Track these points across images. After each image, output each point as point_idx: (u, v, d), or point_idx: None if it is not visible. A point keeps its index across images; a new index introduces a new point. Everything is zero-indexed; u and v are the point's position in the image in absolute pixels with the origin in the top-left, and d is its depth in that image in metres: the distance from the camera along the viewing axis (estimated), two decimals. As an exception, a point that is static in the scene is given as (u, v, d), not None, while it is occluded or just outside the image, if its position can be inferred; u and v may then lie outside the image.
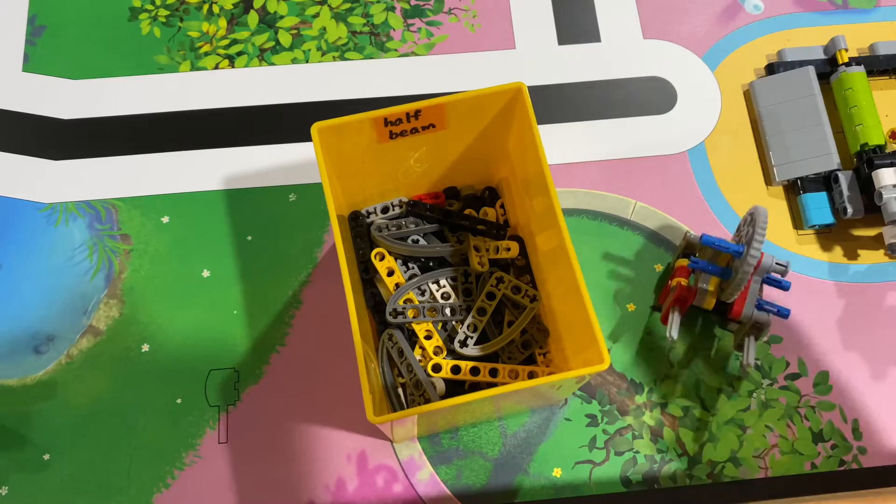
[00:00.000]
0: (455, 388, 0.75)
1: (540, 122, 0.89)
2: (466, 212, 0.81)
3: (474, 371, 0.74)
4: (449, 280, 0.78)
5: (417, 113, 0.69)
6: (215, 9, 0.96)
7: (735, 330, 0.80)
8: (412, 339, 0.76)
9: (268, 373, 0.80)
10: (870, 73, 0.90)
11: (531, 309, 0.76)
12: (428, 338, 0.76)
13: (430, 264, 0.79)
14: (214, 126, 0.90)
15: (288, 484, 0.75)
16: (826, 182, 0.86)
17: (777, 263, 0.76)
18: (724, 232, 0.85)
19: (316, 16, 0.96)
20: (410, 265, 0.79)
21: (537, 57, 0.94)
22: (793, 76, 0.89)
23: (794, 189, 0.87)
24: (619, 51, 0.95)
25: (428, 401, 0.72)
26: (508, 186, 0.81)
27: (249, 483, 0.76)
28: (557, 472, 0.76)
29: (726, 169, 0.89)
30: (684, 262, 0.79)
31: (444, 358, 0.75)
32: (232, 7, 0.96)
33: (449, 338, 0.76)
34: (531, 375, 0.74)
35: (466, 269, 0.78)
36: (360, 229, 0.79)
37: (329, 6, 0.97)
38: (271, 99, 0.92)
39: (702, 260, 0.76)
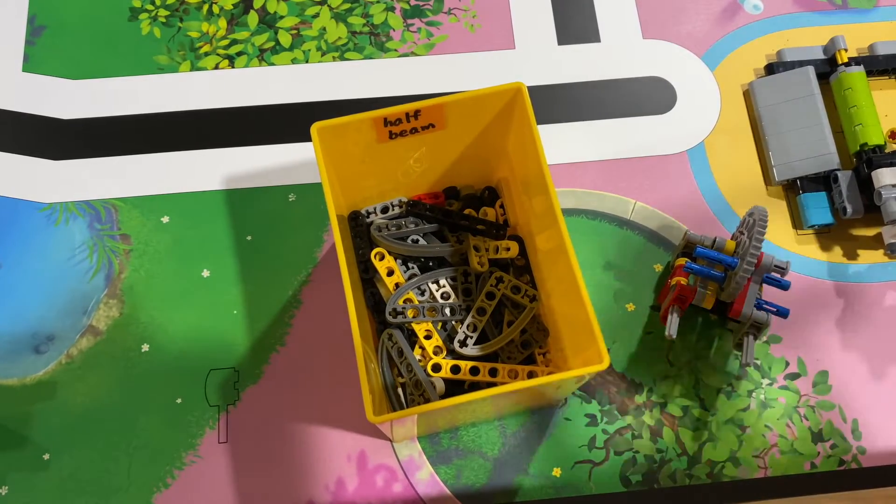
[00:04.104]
0: (455, 387, 0.75)
1: (539, 122, 0.89)
2: (466, 212, 0.81)
3: (474, 371, 0.74)
4: (448, 280, 0.78)
5: (417, 113, 0.69)
6: (215, 9, 0.96)
7: (734, 329, 0.80)
8: (412, 338, 0.76)
9: (268, 373, 0.80)
10: (869, 73, 0.90)
11: (531, 309, 0.76)
12: (427, 337, 0.76)
13: (430, 264, 0.79)
14: (214, 126, 0.90)
15: (288, 483, 0.75)
16: (825, 182, 0.86)
17: (776, 265, 0.76)
18: (724, 231, 0.85)
19: (316, 16, 0.96)
20: (410, 265, 0.79)
21: (537, 57, 0.94)
22: (792, 76, 0.89)
23: (794, 189, 0.87)
24: (619, 51, 0.95)
25: (427, 400, 0.72)
26: (508, 186, 0.81)
27: (249, 483, 0.76)
28: (557, 472, 0.76)
29: (726, 169, 0.89)
30: (684, 261, 0.79)
31: (443, 358, 0.75)
32: (232, 7, 0.97)
33: (448, 337, 0.76)
34: (531, 375, 0.74)
35: (466, 269, 0.78)
36: (359, 229, 0.79)
37: (329, 6, 0.97)
38: (271, 99, 0.92)
39: (696, 265, 0.76)
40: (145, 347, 0.81)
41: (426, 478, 0.76)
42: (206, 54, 0.94)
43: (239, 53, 0.94)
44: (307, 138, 0.89)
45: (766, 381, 0.80)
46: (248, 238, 0.85)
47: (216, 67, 0.93)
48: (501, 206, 0.82)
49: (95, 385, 0.79)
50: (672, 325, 0.74)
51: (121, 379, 0.79)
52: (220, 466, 0.76)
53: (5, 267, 0.84)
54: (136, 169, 0.88)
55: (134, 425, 0.78)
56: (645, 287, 0.83)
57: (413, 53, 0.94)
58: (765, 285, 0.80)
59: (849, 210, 0.83)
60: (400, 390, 0.74)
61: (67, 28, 0.95)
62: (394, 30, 0.95)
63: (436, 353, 0.75)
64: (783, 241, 0.86)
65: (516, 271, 0.79)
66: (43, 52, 0.94)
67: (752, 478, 0.76)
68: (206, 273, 0.84)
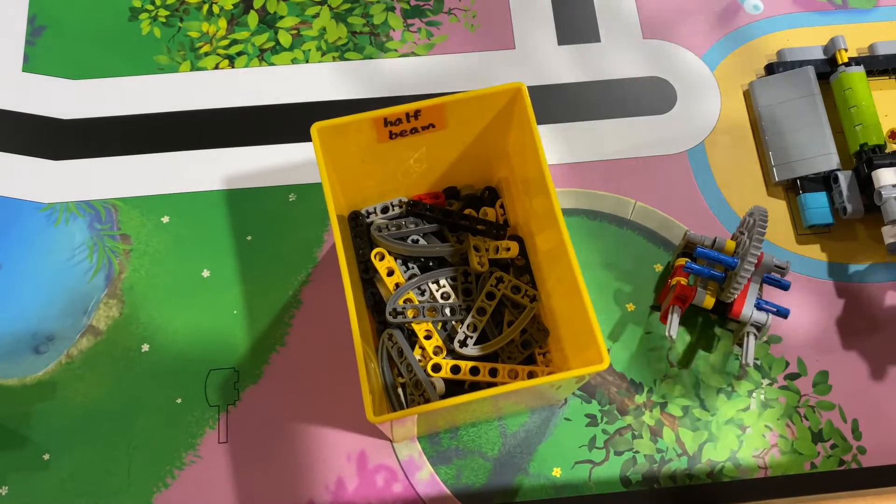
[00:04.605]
0: (455, 387, 0.75)
1: (540, 122, 0.89)
2: (466, 212, 0.81)
3: (474, 371, 0.74)
4: (449, 280, 0.78)
5: (417, 113, 0.69)
6: (215, 9, 0.96)
7: (735, 329, 0.80)
8: (412, 338, 0.76)
9: (268, 373, 0.80)
10: (869, 73, 0.90)
11: (531, 309, 0.76)
12: (428, 338, 0.76)
13: (430, 264, 0.79)
14: (214, 126, 0.90)
15: (288, 483, 0.75)
16: (826, 182, 0.86)
17: (776, 265, 0.76)
18: (724, 231, 0.85)
19: (316, 16, 0.96)
20: (410, 265, 0.79)
21: (537, 57, 0.94)
22: (792, 76, 0.89)
23: (794, 189, 0.87)
24: (619, 51, 0.95)
25: (427, 400, 0.72)
26: (508, 186, 0.81)
27: (249, 483, 0.76)
28: (557, 472, 0.76)
29: (726, 169, 0.89)
30: (684, 261, 0.79)
31: (443, 358, 0.75)
32: (232, 7, 0.97)
33: (449, 337, 0.76)
34: (531, 375, 0.74)
35: (466, 269, 0.78)
36: (359, 229, 0.79)
37: (329, 6, 0.97)
38: (271, 99, 0.92)
39: (696, 265, 0.76)
40: (145, 347, 0.81)
41: (426, 478, 0.76)
42: (206, 54, 0.94)
43: (239, 53, 0.94)
44: (307, 138, 0.89)
45: (766, 381, 0.80)
46: (248, 238, 0.85)
47: (216, 67, 0.93)
48: (501, 206, 0.82)
49: (95, 385, 0.79)
50: (672, 326, 0.74)
51: (121, 379, 0.79)
52: (221, 466, 0.76)
53: (5, 267, 0.84)
54: (136, 169, 0.88)
55: (134, 425, 0.78)
56: (645, 287, 0.83)
57: (413, 53, 0.94)
58: (765, 285, 0.80)
59: (849, 210, 0.83)
60: (400, 390, 0.74)
61: (67, 28, 0.95)
62: (394, 30, 0.95)
63: (436, 353, 0.75)
64: (783, 241, 0.86)
65: (516, 271, 0.79)
66: (43, 52, 0.94)
67: (752, 478, 0.76)
68: (206, 273, 0.84)
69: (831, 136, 0.86)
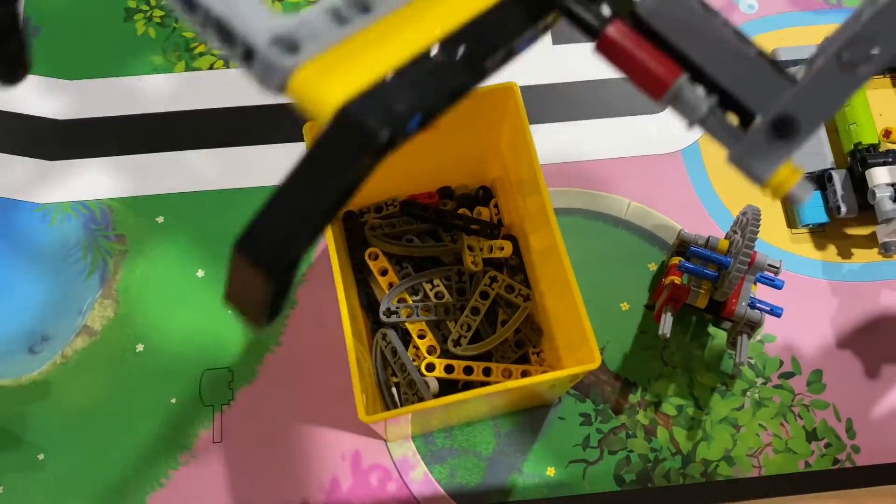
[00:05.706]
0: (449, 387, 0.75)
1: (534, 121, 0.89)
2: (460, 211, 0.81)
3: (468, 370, 0.74)
4: (443, 279, 0.78)
5: (410, 112, 0.69)
6: (210, 9, 0.96)
7: (728, 328, 0.80)
8: (406, 338, 0.76)
9: (262, 373, 0.80)
10: (864, 72, 0.90)
11: (524, 308, 0.76)
12: (421, 337, 0.76)
13: (424, 264, 0.79)
14: (209, 126, 0.91)
15: (282, 483, 0.76)
16: (819, 181, 0.86)
17: (770, 265, 0.76)
18: (718, 231, 0.85)
19: (311, 16, 0.96)
20: (404, 264, 0.79)
21: (532, 56, 0.94)
22: (786, 75, 0.89)
23: (788, 188, 0.87)
24: (614, 50, 0.95)
25: (421, 400, 0.72)
26: (502, 186, 0.81)
27: (243, 482, 0.76)
28: (551, 471, 0.76)
29: (720, 168, 0.89)
30: (678, 260, 0.79)
31: (437, 357, 0.75)
32: (227, 7, 0.96)
33: (442, 337, 0.76)
34: (524, 374, 0.74)
35: (460, 269, 0.78)
36: (353, 229, 0.79)
37: (324, 6, 0.97)
38: (266, 99, 0.92)
39: (690, 264, 0.76)
40: (140, 347, 0.81)
41: (420, 477, 0.76)
42: (201, 54, 0.94)
43: (234, 54, 0.94)
44: (301, 138, 0.89)
45: (760, 381, 0.80)
46: (243, 238, 0.85)
47: (211, 67, 0.93)
48: (496, 206, 0.82)
49: (90, 385, 0.79)
50: (665, 325, 0.74)
51: (115, 379, 0.79)
52: (215, 466, 0.76)
53: None
54: (131, 169, 0.88)
55: (128, 425, 0.78)
56: (639, 286, 0.83)
57: (408, 53, 0.94)
58: (759, 284, 0.80)
59: (843, 209, 0.83)
60: (394, 390, 0.74)
61: (62, 29, 0.95)
62: (388, 30, 0.95)
63: (430, 353, 0.75)
64: (777, 240, 0.86)
65: (510, 271, 0.79)
66: (38, 53, 0.94)
67: (746, 477, 0.76)
68: (200, 273, 0.84)
69: (825, 135, 0.86)
